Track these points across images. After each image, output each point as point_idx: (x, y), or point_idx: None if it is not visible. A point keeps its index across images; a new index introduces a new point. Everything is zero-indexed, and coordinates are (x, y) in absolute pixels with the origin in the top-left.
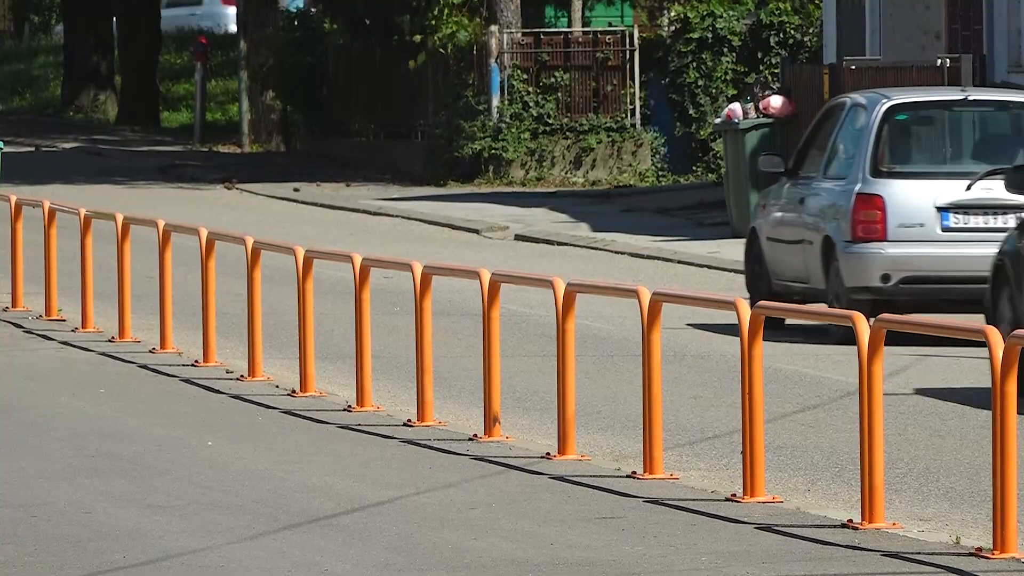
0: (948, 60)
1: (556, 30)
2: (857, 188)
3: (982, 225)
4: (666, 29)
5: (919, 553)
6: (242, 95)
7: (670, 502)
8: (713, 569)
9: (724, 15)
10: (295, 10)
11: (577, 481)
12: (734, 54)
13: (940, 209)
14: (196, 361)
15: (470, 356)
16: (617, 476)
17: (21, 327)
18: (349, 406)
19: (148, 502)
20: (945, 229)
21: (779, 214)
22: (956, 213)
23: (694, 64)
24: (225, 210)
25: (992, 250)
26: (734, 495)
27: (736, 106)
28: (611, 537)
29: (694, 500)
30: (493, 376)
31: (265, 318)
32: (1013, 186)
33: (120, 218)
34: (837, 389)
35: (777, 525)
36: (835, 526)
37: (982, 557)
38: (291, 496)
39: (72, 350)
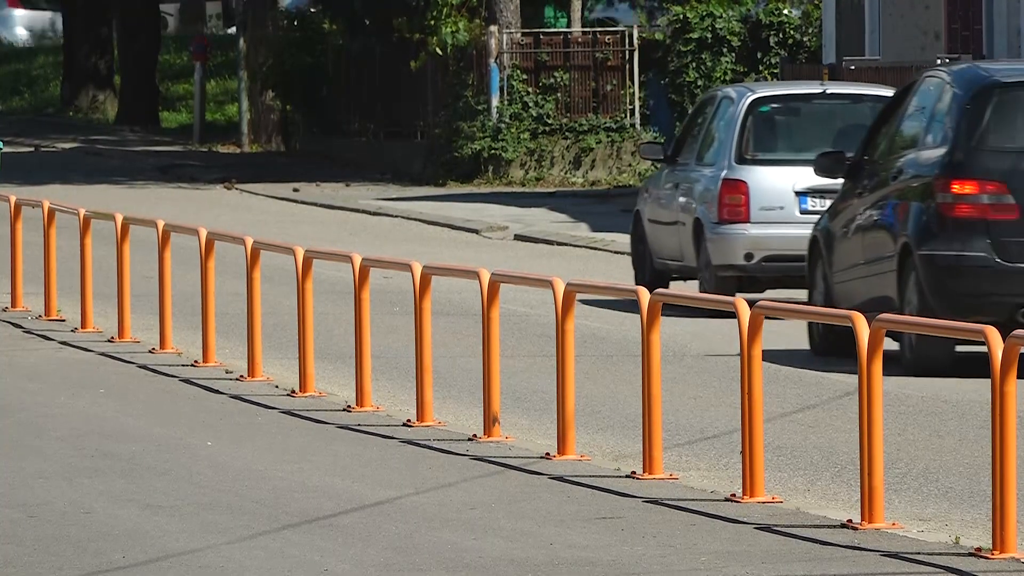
0: (948, 60)
1: (555, 30)
2: (723, 174)
3: None
4: (665, 30)
5: (919, 553)
6: (241, 95)
7: (669, 502)
8: (713, 569)
9: (723, 15)
10: (293, 10)
11: (576, 481)
12: (733, 54)
13: (798, 193)
14: (196, 361)
15: (469, 356)
16: (616, 476)
17: (21, 327)
18: (349, 406)
19: (148, 502)
20: (803, 212)
21: (658, 198)
22: (813, 197)
23: (693, 64)
24: (225, 210)
25: None
26: (733, 495)
27: None
28: (610, 537)
29: (693, 500)
30: (492, 376)
31: (265, 318)
32: (821, 170)
33: (119, 218)
34: (836, 389)
35: (776, 525)
36: (835, 526)
37: (982, 557)
38: (291, 496)
39: (72, 350)
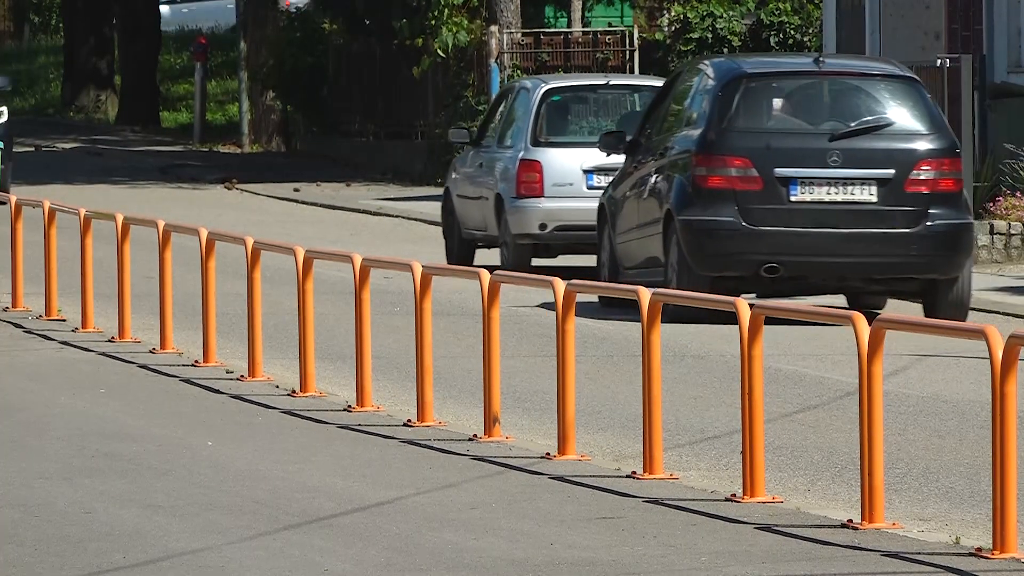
0: (948, 60)
1: (556, 30)
2: (520, 155)
3: None
4: (665, 30)
5: (919, 553)
6: (242, 95)
7: (670, 502)
8: (713, 569)
9: (724, 15)
10: (294, 10)
11: (577, 481)
12: (734, 54)
13: (586, 171)
14: (196, 361)
15: (470, 356)
16: (617, 476)
17: (21, 327)
18: (349, 406)
19: (148, 502)
20: (590, 187)
21: (465, 176)
22: (598, 174)
23: None
24: (225, 210)
25: None
26: (734, 495)
27: None
28: (611, 537)
29: (694, 500)
30: (493, 376)
31: (265, 318)
32: (604, 147)
33: (120, 218)
34: (837, 389)
35: (777, 525)
36: (835, 526)
37: (982, 557)
38: (291, 496)
39: (72, 350)
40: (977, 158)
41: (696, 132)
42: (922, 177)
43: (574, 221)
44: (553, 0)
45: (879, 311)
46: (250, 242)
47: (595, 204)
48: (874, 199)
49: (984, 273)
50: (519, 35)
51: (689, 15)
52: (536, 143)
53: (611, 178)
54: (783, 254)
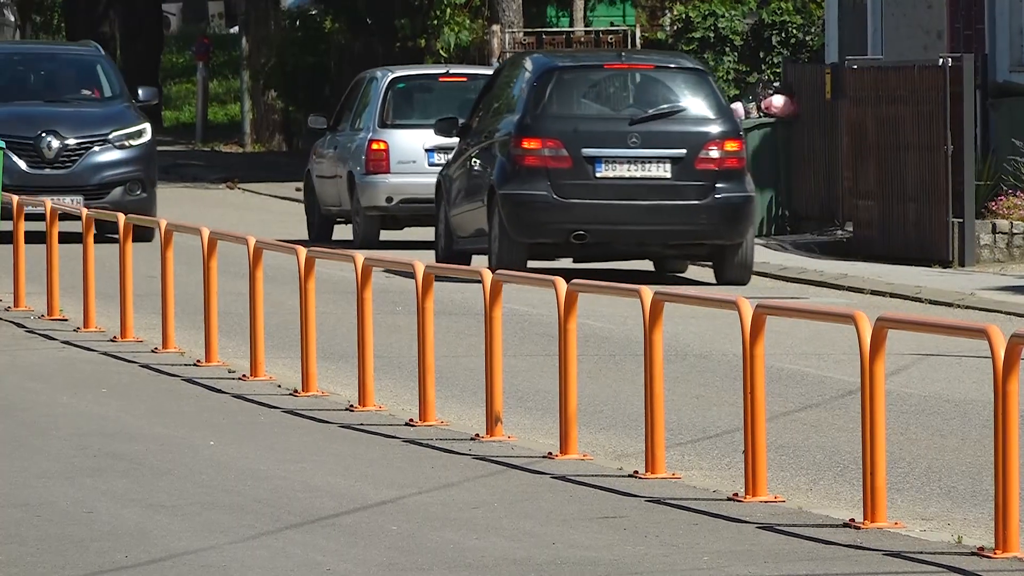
0: (950, 59)
1: (558, 30)
2: (369, 136)
3: None
4: (667, 29)
5: (921, 552)
6: (244, 95)
7: (672, 501)
8: (715, 568)
9: (726, 15)
10: (295, 9)
11: (579, 481)
12: (736, 54)
13: (427, 150)
14: (198, 361)
15: (472, 356)
16: (619, 476)
17: (23, 327)
18: (351, 406)
19: (150, 502)
20: (431, 164)
21: (322, 158)
22: (438, 152)
23: None
24: (227, 210)
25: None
26: (736, 494)
27: (738, 106)
28: (613, 536)
29: (696, 499)
30: (495, 376)
31: (267, 318)
32: (439, 131)
33: (122, 218)
34: (839, 388)
35: (779, 525)
36: (837, 525)
37: (984, 556)
38: (293, 496)
39: (74, 350)
40: (979, 157)
41: (515, 117)
42: (710, 156)
43: (418, 194)
44: (555, 0)
45: (681, 273)
46: (252, 241)
47: (435, 180)
48: (668, 175)
49: (986, 272)
50: (521, 35)
51: (691, 14)
52: (383, 125)
53: (450, 155)
54: (590, 223)
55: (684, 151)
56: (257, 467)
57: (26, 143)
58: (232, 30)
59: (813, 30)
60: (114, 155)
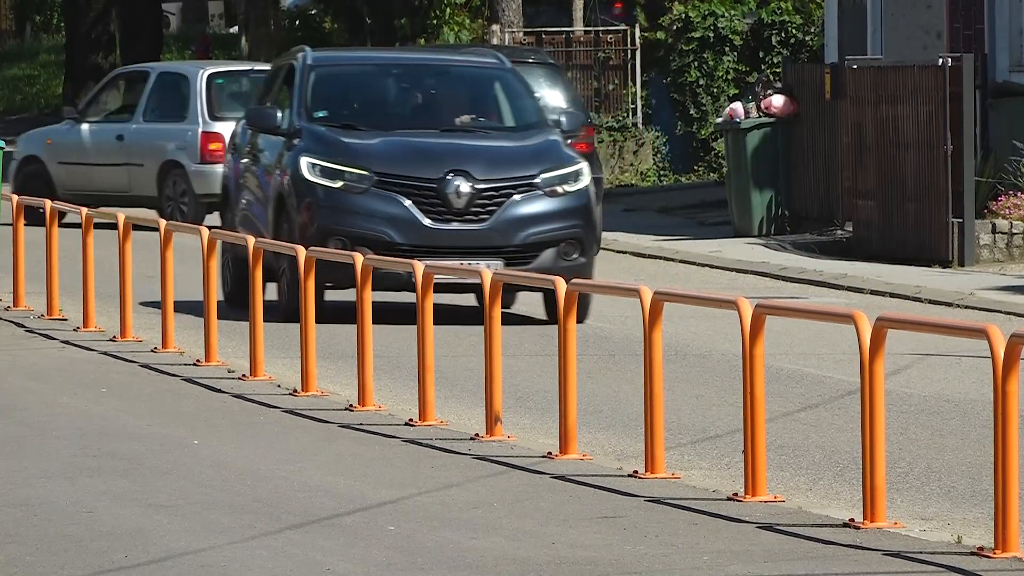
0: (949, 59)
1: (557, 29)
2: (200, 129)
3: None
4: (667, 29)
5: (921, 552)
6: None
7: (672, 501)
8: (715, 568)
9: (725, 14)
10: (295, 8)
11: (579, 480)
12: (735, 53)
13: None
14: (198, 360)
15: (471, 355)
16: (619, 475)
17: (23, 326)
18: (351, 405)
19: (150, 501)
20: None
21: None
22: None
23: (696, 63)
24: None
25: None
26: (736, 494)
27: (738, 105)
28: (613, 536)
29: (696, 499)
30: (495, 375)
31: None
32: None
33: (122, 217)
34: (838, 388)
35: (779, 524)
36: (837, 525)
37: (984, 556)
38: (293, 496)
39: (74, 349)
40: (979, 157)
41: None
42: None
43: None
44: (554, 2)
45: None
46: (252, 242)
47: None
48: None
49: (986, 272)
50: (520, 34)
51: (691, 14)
52: (213, 118)
53: None
54: None
55: None
56: (257, 467)
57: (425, 188)
58: (232, 30)
59: (812, 30)
60: (544, 205)
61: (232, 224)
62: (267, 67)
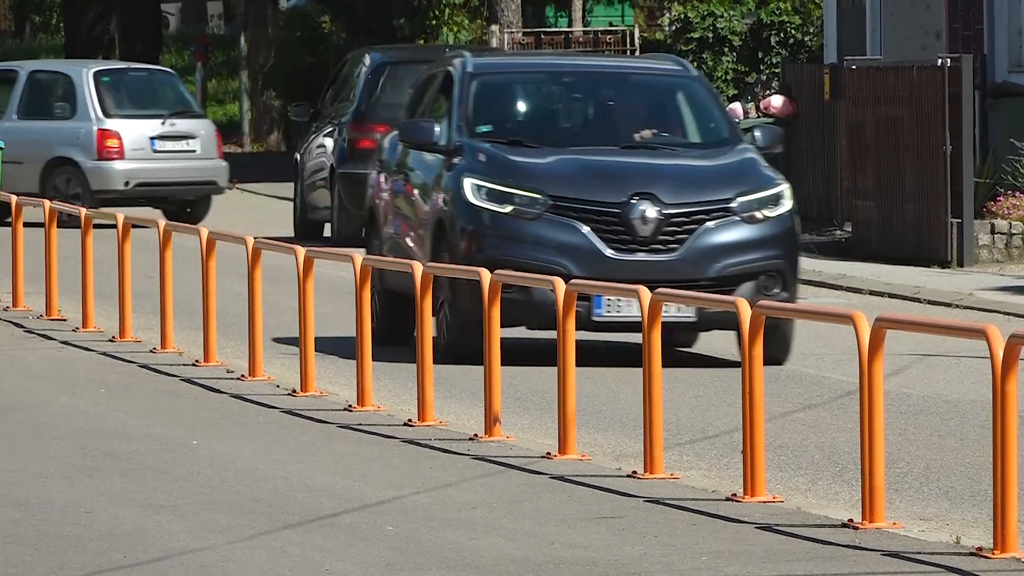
0: (948, 59)
1: (557, 30)
2: (95, 126)
3: (183, 148)
4: (666, 29)
5: (920, 553)
6: (243, 94)
7: (670, 502)
8: (714, 568)
9: (724, 15)
10: (294, 8)
11: (578, 481)
12: (735, 54)
13: (152, 138)
14: (197, 361)
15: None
16: (618, 476)
17: (22, 327)
18: (350, 406)
19: (149, 501)
20: (155, 151)
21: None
22: (160, 140)
23: (695, 64)
24: (226, 210)
25: (177, 164)
26: (734, 495)
27: (737, 106)
28: (612, 537)
29: (694, 500)
30: (493, 376)
31: (266, 318)
32: (295, 115)
33: (121, 217)
34: (837, 388)
35: (777, 525)
36: (835, 526)
37: (983, 557)
38: (292, 495)
39: (73, 350)
40: (978, 157)
41: (352, 106)
42: None
43: (147, 178)
44: (554, 0)
45: None
46: (251, 241)
47: (159, 165)
48: None
49: (985, 272)
50: (520, 35)
51: (690, 15)
52: (108, 116)
53: (172, 143)
54: None
55: None
56: (255, 467)
57: (607, 213)
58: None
59: (812, 30)
60: (741, 233)
61: (379, 251)
62: (144, 67)
